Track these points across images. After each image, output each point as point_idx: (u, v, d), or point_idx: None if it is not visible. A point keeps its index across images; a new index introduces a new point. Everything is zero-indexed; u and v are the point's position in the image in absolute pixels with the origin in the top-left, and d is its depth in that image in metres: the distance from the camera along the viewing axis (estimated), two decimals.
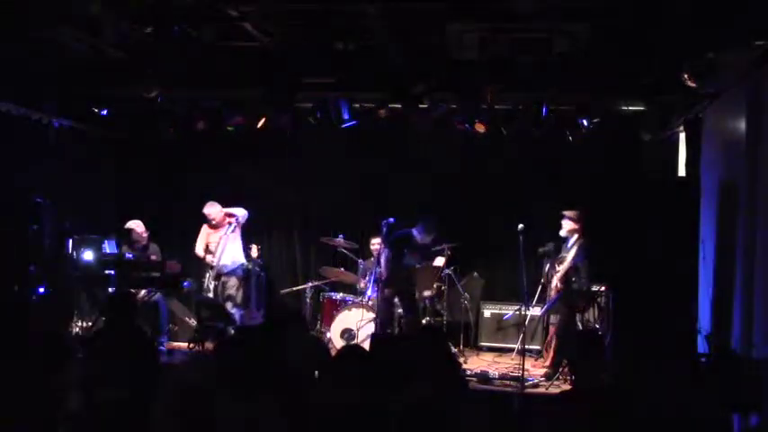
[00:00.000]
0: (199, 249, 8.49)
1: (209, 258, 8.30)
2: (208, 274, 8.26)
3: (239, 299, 8.39)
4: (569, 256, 7.33)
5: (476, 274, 9.13)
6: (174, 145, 9.18)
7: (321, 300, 8.70)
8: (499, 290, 9.11)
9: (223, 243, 8.21)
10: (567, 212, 7.49)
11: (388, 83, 7.49)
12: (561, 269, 7.35)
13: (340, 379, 3.71)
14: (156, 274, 7.85)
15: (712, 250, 6.60)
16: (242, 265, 8.44)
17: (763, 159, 5.74)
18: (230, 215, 8.39)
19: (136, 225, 8.32)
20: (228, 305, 8.19)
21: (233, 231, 8.28)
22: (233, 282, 8.36)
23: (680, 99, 7.05)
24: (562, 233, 7.49)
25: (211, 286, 8.21)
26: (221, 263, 8.23)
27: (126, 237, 8.36)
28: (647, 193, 6.77)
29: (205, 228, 8.54)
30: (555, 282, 7.42)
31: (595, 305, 7.56)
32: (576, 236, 7.42)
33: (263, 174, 9.32)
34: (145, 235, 8.35)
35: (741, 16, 5.01)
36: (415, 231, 7.83)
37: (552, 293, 7.51)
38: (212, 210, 8.41)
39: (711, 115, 7.11)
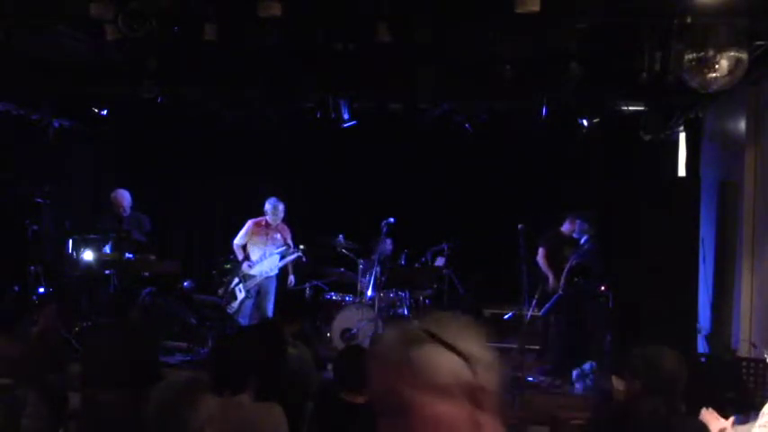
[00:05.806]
0: (239, 243, 8.12)
1: (244, 266, 7.99)
2: (237, 279, 7.96)
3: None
4: (579, 254, 7.37)
5: None
6: (175, 145, 9.18)
7: (321, 300, 8.70)
8: (499, 290, 9.09)
9: (268, 255, 8.00)
10: (578, 214, 7.50)
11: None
12: (567, 266, 7.36)
13: (340, 379, 3.72)
14: (156, 274, 7.84)
15: (712, 250, 6.60)
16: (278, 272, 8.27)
17: (763, 159, 5.74)
18: (287, 237, 8.11)
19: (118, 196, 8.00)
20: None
21: (279, 254, 8.02)
22: (273, 287, 8.15)
23: (680, 99, 7.04)
24: (575, 235, 7.49)
25: (240, 295, 7.92)
26: (264, 272, 8.02)
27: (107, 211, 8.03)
28: (648, 193, 6.77)
29: (252, 224, 8.13)
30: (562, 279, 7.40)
31: (595, 305, 7.56)
32: (587, 236, 7.44)
33: (263, 174, 9.32)
34: (127, 206, 7.98)
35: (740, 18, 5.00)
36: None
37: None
38: (280, 207, 8.03)
39: (711, 115, 7.12)
